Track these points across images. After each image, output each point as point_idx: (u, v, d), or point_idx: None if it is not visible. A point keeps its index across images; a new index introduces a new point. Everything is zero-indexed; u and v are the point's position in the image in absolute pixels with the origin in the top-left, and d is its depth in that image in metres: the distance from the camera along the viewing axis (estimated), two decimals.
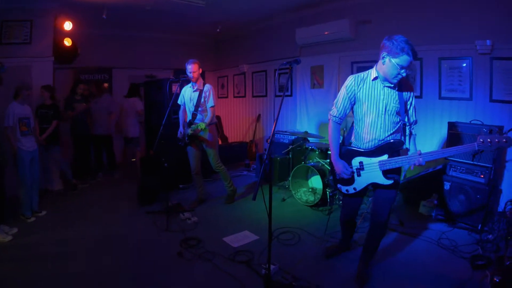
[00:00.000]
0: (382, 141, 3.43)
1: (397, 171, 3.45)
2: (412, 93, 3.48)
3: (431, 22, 6.28)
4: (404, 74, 3.26)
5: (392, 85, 3.37)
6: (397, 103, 3.37)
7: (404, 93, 3.42)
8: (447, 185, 5.30)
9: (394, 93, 3.39)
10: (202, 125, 5.58)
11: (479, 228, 4.79)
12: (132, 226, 5.41)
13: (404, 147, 3.45)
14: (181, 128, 6.05)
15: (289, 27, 8.79)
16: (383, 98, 3.37)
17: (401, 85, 3.42)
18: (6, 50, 7.01)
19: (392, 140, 3.40)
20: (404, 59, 3.20)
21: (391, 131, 3.43)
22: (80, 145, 7.73)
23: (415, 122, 3.53)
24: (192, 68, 5.75)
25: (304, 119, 8.93)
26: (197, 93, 5.87)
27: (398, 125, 3.45)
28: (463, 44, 5.87)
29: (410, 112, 3.49)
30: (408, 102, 3.47)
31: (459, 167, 5.24)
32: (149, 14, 8.25)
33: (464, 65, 5.92)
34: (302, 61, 3.70)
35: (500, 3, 5.43)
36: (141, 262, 4.23)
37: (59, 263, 4.22)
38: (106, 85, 9.35)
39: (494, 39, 5.48)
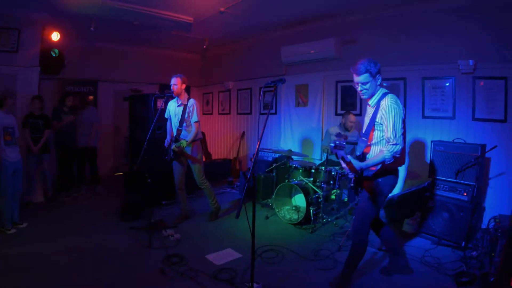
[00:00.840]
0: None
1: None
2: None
3: (415, 42, 6.45)
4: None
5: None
6: None
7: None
8: (430, 203, 5.38)
9: None
10: (184, 143, 5.66)
11: (462, 245, 4.85)
12: (114, 241, 5.33)
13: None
14: (168, 138, 6.04)
15: (275, 45, 8.89)
16: None
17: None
18: None
19: None
20: None
21: None
22: (64, 157, 7.65)
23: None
24: (174, 81, 5.80)
25: (288, 137, 8.97)
26: (181, 108, 5.89)
27: None
28: (446, 64, 6.03)
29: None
30: None
31: (442, 185, 5.32)
32: (137, 28, 8.28)
33: (447, 84, 6.07)
34: (287, 79, 3.75)
35: (482, 23, 5.61)
36: (122, 279, 4.16)
37: (38, 277, 4.14)
38: (91, 97, 9.30)
39: (476, 59, 5.65)
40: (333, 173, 6.02)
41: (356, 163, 3.44)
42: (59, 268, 4.39)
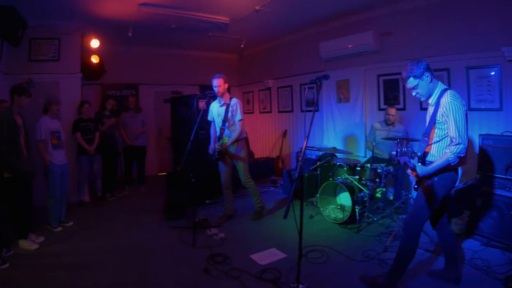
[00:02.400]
0: None
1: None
2: None
3: (455, 30, 6.19)
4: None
5: None
6: None
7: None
8: (479, 201, 5.10)
9: None
10: (226, 139, 5.70)
11: None
12: (158, 240, 5.40)
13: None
14: (212, 144, 6.07)
15: (313, 41, 8.81)
16: None
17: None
18: (35, 67, 7.25)
19: None
20: None
21: None
22: (108, 158, 7.80)
23: None
24: (217, 82, 5.78)
25: (331, 134, 8.85)
26: (224, 108, 5.89)
27: None
28: (491, 51, 5.72)
29: None
30: None
31: (491, 182, 5.00)
32: (174, 31, 8.40)
33: (493, 73, 5.76)
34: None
35: None
36: (166, 277, 4.19)
37: (82, 274, 4.25)
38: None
39: None
40: (379, 170, 5.85)
41: (420, 169, 3.35)
42: (103, 265, 4.50)
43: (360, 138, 8.10)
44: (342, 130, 8.55)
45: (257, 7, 7.03)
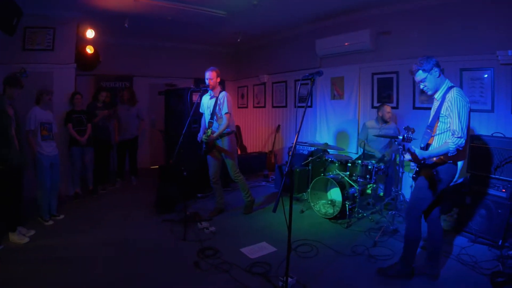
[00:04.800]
0: None
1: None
2: None
3: (451, 32, 6.26)
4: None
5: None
6: None
7: None
8: (468, 199, 5.19)
9: None
10: (209, 132, 5.74)
11: (499, 243, 4.66)
12: (149, 233, 5.42)
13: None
14: (201, 133, 6.12)
15: (309, 38, 8.83)
16: None
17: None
18: (29, 56, 7.13)
19: None
20: None
21: None
22: (100, 150, 7.74)
23: None
24: (209, 75, 5.80)
25: (324, 130, 8.89)
26: (213, 101, 5.91)
27: None
28: (485, 54, 5.81)
29: None
30: None
31: (480, 181, 5.12)
32: (171, 24, 8.38)
33: (486, 76, 5.85)
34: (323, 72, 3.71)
35: None
36: (156, 271, 4.21)
37: (73, 267, 4.24)
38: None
39: None
40: (369, 167, 5.90)
41: (420, 153, 3.46)
42: (93, 259, 4.49)
43: (352, 135, 8.14)
44: (335, 126, 8.58)
45: (255, 2, 7.00)
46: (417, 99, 6.82)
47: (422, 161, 3.55)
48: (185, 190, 6.16)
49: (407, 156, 3.53)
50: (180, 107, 7.62)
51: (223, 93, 5.94)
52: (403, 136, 3.39)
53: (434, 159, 3.59)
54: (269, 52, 10.83)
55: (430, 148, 3.65)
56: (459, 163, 3.76)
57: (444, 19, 6.36)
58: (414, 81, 4.47)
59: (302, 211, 6.38)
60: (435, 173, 3.58)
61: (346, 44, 7.73)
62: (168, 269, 4.26)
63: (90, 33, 8.10)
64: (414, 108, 6.87)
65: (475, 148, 5.21)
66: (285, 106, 10.27)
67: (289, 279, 3.58)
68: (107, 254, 4.65)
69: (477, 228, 5.00)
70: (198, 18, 7.89)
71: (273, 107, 10.79)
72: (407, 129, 3.42)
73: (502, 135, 5.08)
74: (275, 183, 8.34)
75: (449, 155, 3.40)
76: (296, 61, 9.65)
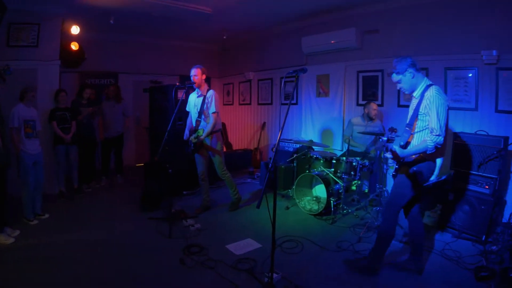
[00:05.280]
0: None
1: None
2: None
3: (437, 32, 6.32)
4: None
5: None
6: None
7: None
8: (451, 196, 5.27)
9: None
10: (200, 132, 5.71)
11: (483, 239, 4.75)
12: (134, 231, 5.39)
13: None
14: (186, 132, 6.10)
15: (296, 35, 8.83)
16: None
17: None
18: (13, 53, 7.00)
19: None
20: None
21: None
22: (85, 148, 7.67)
23: None
24: (194, 72, 5.80)
25: (309, 127, 8.92)
26: (200, 99, 5.90)
27: None
28: (469, 54, 5.89)
29: None
30: None
31: (463, 178, 5.21)
32: (156, 20, 8.31)
33: (470, 75, 5.94)
34: (308, 69, 3.73)
35: (505, 14, 5.46)
36: (142, 269, 4.20)
37: (59, 267, 4.20)
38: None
39: (500, 50, 5.50)
40: (354, 164, 5.95)
41: (400, 151, 3.52)
42: (78, 258, 4.45)
43: (337, 132, 8.19)
44: (320, 124, 8.63)
45: None
46: (401, 97, 6.87)
47: (402, 159, 3.62)
48: (171, 187, 6.13)
49: (389, 155, 3.59)
50: (165, 104, 7.59)
51: (211, 91, 5.93)
52: (388, 138, 3.52)
53: (414, 156, 3.66)
54: (255, 49, 10.82)
55: (409, 146, 3.71)
56: (438, 160, 3.81)
57: (429, 18, 6.42)
58: None
59: (288, 208, 6.41)
60: (414, 169, 3.64)
61: (332, 42, 7.76)
62: (153, 266, 4.25)
63: (75, 30, 7.97)
64: (399, 106, 6.93)
65: (459, 146, 5.29)
66: (271, 104, 10.28)
67: (275, 275, 3.62)
68: (93, 253, 4.61)
69: (460, 224, 5.09)
70: (184, 14, 7.82)
71: (258, 104, 10.78)
72: (391, 130, 3.51)
73: (485, 133, 5.20)
74: (260, 180, 8.37)
75: (427, 152, 3.47)
76: (282, 58, 9.65)
